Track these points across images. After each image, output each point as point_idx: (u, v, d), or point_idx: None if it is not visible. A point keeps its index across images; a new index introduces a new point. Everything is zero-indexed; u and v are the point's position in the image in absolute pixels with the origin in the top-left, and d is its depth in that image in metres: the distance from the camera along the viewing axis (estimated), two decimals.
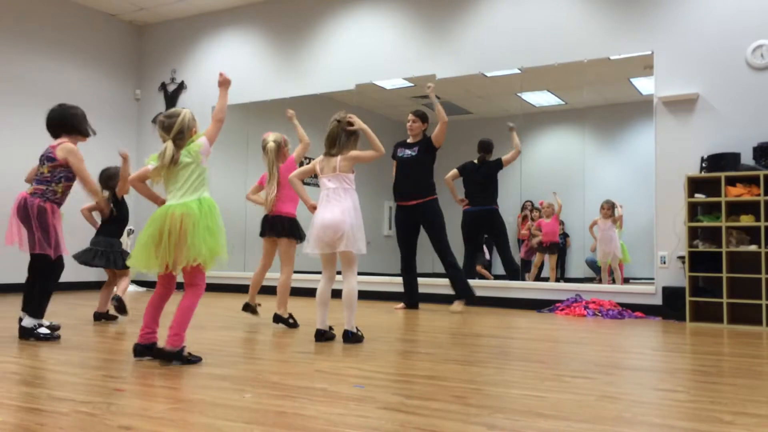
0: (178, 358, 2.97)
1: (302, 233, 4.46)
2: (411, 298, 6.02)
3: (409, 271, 6.01)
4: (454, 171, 6.92)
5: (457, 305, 5.76)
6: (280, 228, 4.46)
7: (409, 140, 5.92)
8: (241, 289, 7.07)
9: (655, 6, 5.95)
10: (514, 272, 6.70)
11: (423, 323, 4.94)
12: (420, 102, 7.98)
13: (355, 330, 3.73)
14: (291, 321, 4.43)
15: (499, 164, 6.77)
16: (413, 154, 5.83)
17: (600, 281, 7.12)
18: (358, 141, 3.83)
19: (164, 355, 2.98)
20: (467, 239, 6.84)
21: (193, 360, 3.01)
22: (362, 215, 3.76)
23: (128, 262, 3.14)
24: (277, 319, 4.43)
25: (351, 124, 3.79)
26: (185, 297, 3.07)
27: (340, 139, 3.76)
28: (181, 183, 3.03)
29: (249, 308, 4.66)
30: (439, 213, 5.81)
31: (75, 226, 4.81)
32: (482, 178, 6.74)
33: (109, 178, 4.83)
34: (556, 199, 7.46)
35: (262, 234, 4.56)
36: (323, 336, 3.72)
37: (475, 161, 6.86)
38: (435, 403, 2.28)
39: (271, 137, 4.48)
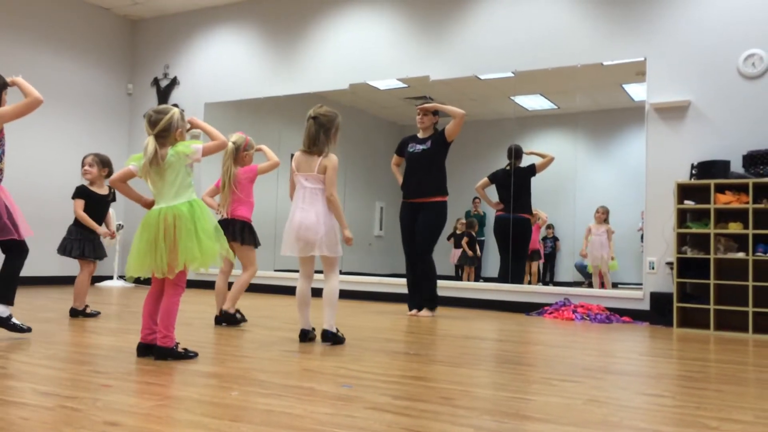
0: (171, 355, 2.99)
1: (256, 238, 4.44)
2: (415, 300, 5.64)
3: (414, 266, 5.58)
4: (485, 180, 6.91)
5: (426, 312, 5.54)
6: (232, 231, 4.31)
7: (419, 135, 5.67)
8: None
9: (648, 13, 5.98)
10: (518, 281, 6.71)
11: (412, 325, 4.94)
12: (413, 103, 8.00)
13: (335, 330, 3.65)
14: (239, 316, 4.38)
15: (531, 171, 6.76)
16: (426, 147, 5.53)
17: (589, 285, 7.16)
18: (337, 137, 3.71)
19: (158, 353, 3.00)
20: (501, 246, 6.85)
21: (189, 355, 3.03)
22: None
23: (126, 272, 3.08)
24: (225, 315, 4.32)
25: (329, 119, 3.66)
26: (166, 297, 3.05)
27: (319, 137, 3.64)
28: (169, 184, 3.00)
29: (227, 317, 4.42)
30: (441, 216, 5.53)
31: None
32: (514, 185, 6.71)
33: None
34: (541, 213, 7.57)
35: None
36: (307, 336, 3.69)
37: (507, 168, 6.85)
38: (423, 404, 2.28)
39: (232, 137, 4.36)
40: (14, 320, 3.59)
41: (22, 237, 3.51)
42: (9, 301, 3.57)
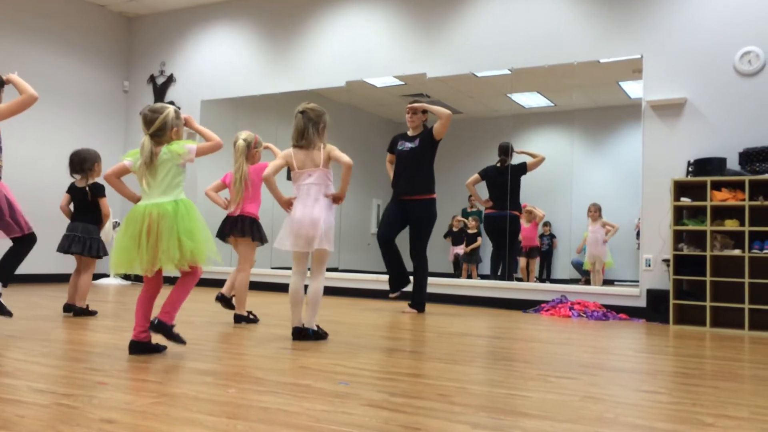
0: (166, 331, 3.02)
1: (264, 235, 4.47)
2: (399, 279, 5.60)
3: (389, 248, 5.53)
4: (476, 176, 6.92)
5: (409, 309, 5.54)
6: (241, 227, 4.37)
7: (409, 133, 5.69)
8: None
9: (645, 10, 5.99)
10: (509, 277, 6.76)
11: (409, 322, 4.94)
12: (410, 101, 7.99)
13: (316, 328, 3.69)
14: (252, 317, 4.42)
15: (522, 169, 6.80)
16: (414, 146, 5.56)
17: (586, 282, 7.18)
18: (325, 133, 3.72)
19: (157, 325, 3.02)
20: (493, 242, 6.90)
21: (180, 339, 3.06)
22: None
23: (110, 268, 3.05)
24: (238, 318, 4.36)
25: (317, 114, 3.67)
26: (181, 282, 3.08)
27: (308, 130, 3.65)
28: (159, 181, 2.99)
29: (224, 300, 4.55)
30: (432, 214, 5.54)
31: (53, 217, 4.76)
32: (505, 182, 6.73)
33: (84, 161, 4.60)
34: (537, 211, 7.57)
35: (225, 235, 4.39)
36: (301, 334, 3.69)
37: (497, 165, 6.88)
38: (419, 401, 2.28)
39: (242, 135, 4.40)
40: (1, 300, 3.64)
41: (27, 231, 3.58)
42: (2, 282, 3.69)
